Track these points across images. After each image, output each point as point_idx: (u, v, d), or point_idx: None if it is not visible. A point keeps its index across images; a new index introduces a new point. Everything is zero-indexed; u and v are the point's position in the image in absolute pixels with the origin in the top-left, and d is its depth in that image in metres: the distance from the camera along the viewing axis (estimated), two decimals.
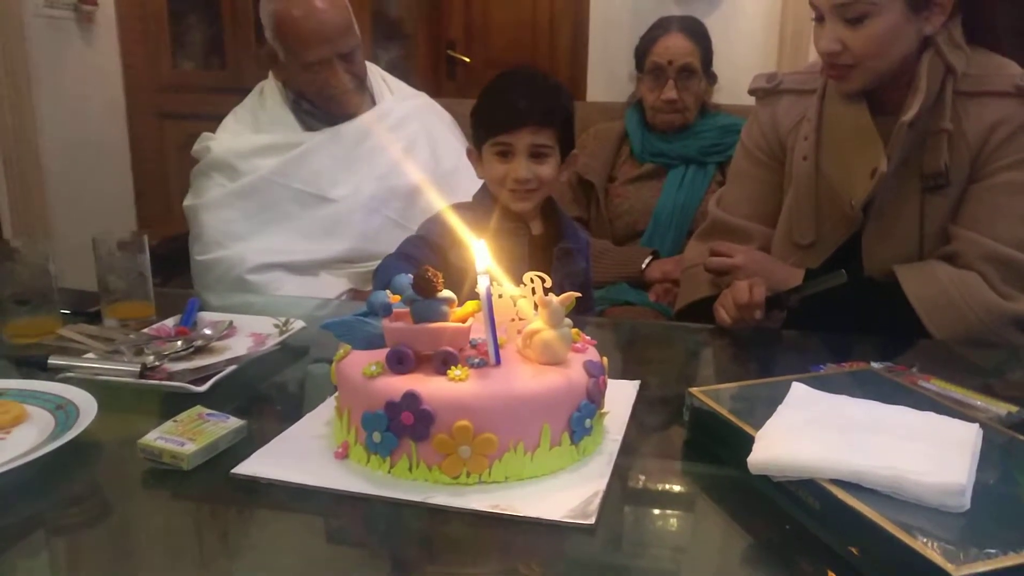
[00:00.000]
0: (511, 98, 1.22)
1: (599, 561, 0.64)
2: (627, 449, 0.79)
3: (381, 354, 0.75)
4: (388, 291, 0.80)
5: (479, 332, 0.76)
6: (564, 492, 0.70)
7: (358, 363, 0.76)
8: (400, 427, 0.71)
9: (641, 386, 0.95)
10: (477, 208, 1.28)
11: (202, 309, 1.17)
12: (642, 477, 0.76)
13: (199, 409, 0.82)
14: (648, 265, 1.62)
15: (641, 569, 0.63)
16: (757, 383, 0.86)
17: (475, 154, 1.28)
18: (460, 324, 0.74)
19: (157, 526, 0.69)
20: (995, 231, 1.15)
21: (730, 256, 1.30)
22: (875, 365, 0.99)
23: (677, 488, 0.75)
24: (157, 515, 0.71)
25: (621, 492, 0.72)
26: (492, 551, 0.66)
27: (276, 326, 1.12)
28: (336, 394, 0.80)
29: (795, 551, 0.64)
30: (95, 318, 1.19)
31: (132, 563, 0.65)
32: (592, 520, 0.66)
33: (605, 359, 0.82)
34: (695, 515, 0.72)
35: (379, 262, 1.58)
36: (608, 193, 1.75)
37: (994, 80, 1.15)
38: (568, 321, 0.77)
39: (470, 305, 0.77)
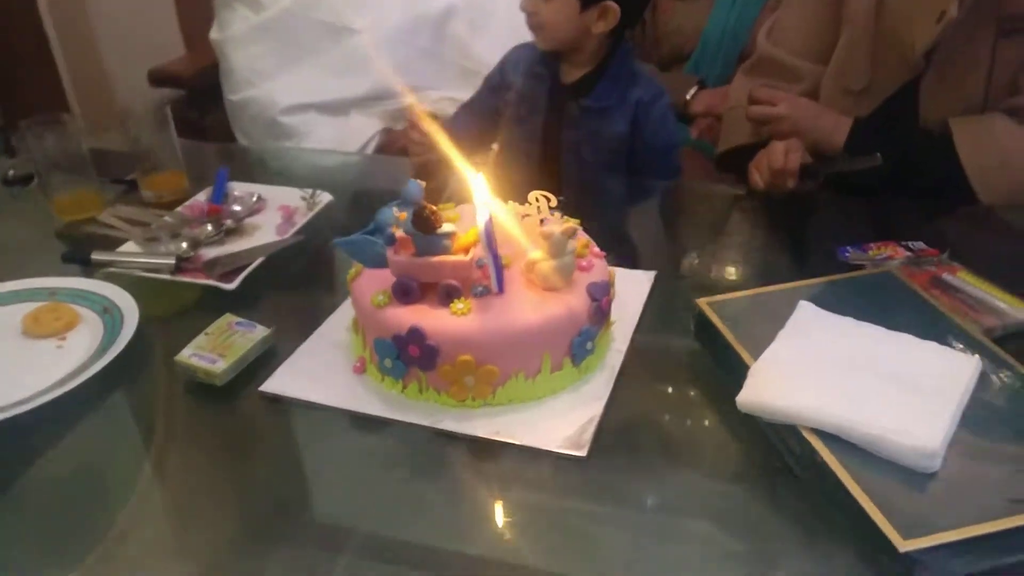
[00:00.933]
0: None
1: (590, 489, 0.69)
2: (630, 363, 0.82)
3: (388, 279, 0.78)
4: (396, 208, 0.81)
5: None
6: (562, 418, 0.75)
7: (368, 287, 0.79)
8: (408, 357, 0.75)
9: (657, 277, 0.95)
10: (532, 45, 1.25)
11: (232, 181, 1.19)
12: (640, 399, 0.79)
13: (228, 318, 0.87)
14: (693, 96, 1.53)
15: (629, 499, 0.68)
16: (770, 291, 0.86)
17: None
18: (462, 258, 0.75)
19: (196, 439, 0.78)
20: None
21: (772, 104, 1.22)
22: (907, 247, 0.97)
23: (674, 413, 0.78)
24: (194, 429, 0.79)
25: (617, 416, 0.76)
26: (492, 475, 0.71)
27: (303, 198, 1.14)
28: (351, 316, 0.84)
29: (780, 488, 0.67)
30: (132, 186, 1.23)
31: (175, 476, 0.74)
32: (584, 452, 0.71)
33: (612, 274, 0.82)
34: (689, 443, 0.74)
35: (410, 100, 1.56)
36: (656, 7, 1.61)
37: None
38: (572, 246, 0.77)
39: (472, 233, 0.77)
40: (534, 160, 1.27)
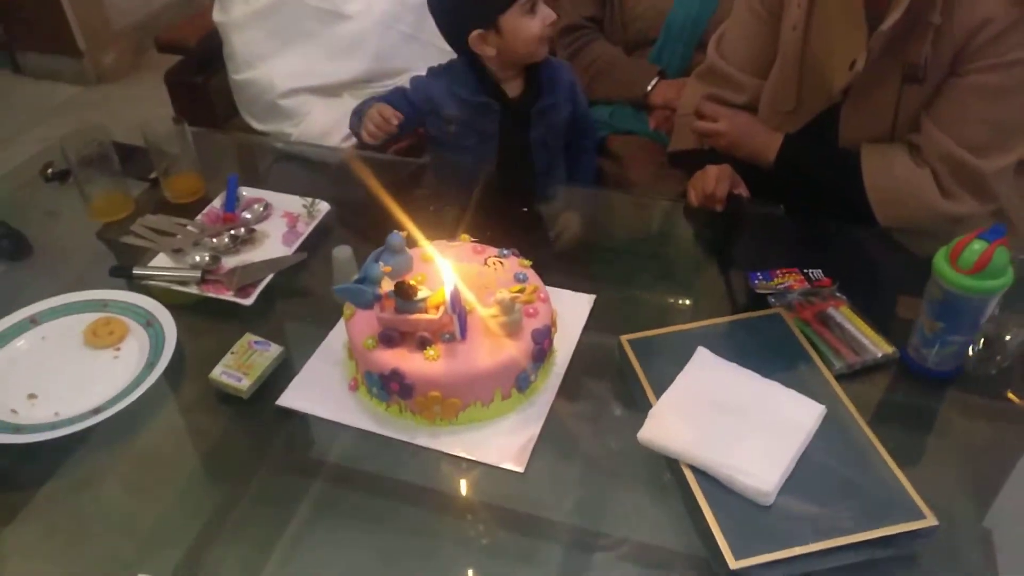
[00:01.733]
0: None
1: (527, 499, 0.93)
2: (567, 387, 1.04)
3: (375, 322, 0.98)
4: (381, 263, 1.01)
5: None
6: (508, 436, 0.98)
7: (361, 329, 1.00)
8: (391, 389, 0.97)
9: (596, 301, 1.16)
10: (455, 73, 1.39)
11: (241, 185, 1.37)
12: (571, 419, 1.01)
13: (249, 338, 1.09)
14: (653, 88, 1.68)
15: (560, 509, 0.92)
16: (679, 330, 1.07)
17: (485, 35, 1.32)
18: (433, 316, 0.96)
19: (222, 441, 1.02)
20: (957, 131, 1.21)
21: (714, 119, 1.38)
22: (807, 276, 1.17)
23: (595, 432, 1.00)
24: (222, 433, 1.03)
25: (551, 434, 0.99)
26: (452, 482, 0.95)
27: (304, 206, 1.33)
28: (346, 338, 1.06)
29: (671, 503, 0.91)
30: (154, 183, 1.41)
31: (208, 472, 0.98)
32: (522, 468, 0.94)
33: (555, 314, 1.03)
34: (605, 459, 0.97)
35: (396, 82, 1.71)
36: None
37: None
38: (519, 306, 0.98)
39: (440, 294, 0.98)
40: (500, 170, 1.43)
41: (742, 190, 1.35)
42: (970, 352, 1.03)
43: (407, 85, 1.45)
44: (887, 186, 1.26)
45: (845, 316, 1.11)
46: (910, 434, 1.00)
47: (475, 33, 1.32)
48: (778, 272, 1.19)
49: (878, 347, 1.06)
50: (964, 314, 0.97)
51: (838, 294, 1.15)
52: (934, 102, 1.23)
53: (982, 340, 1.03)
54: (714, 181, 1.29)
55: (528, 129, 1.40)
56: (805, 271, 1.18)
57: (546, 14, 1.32)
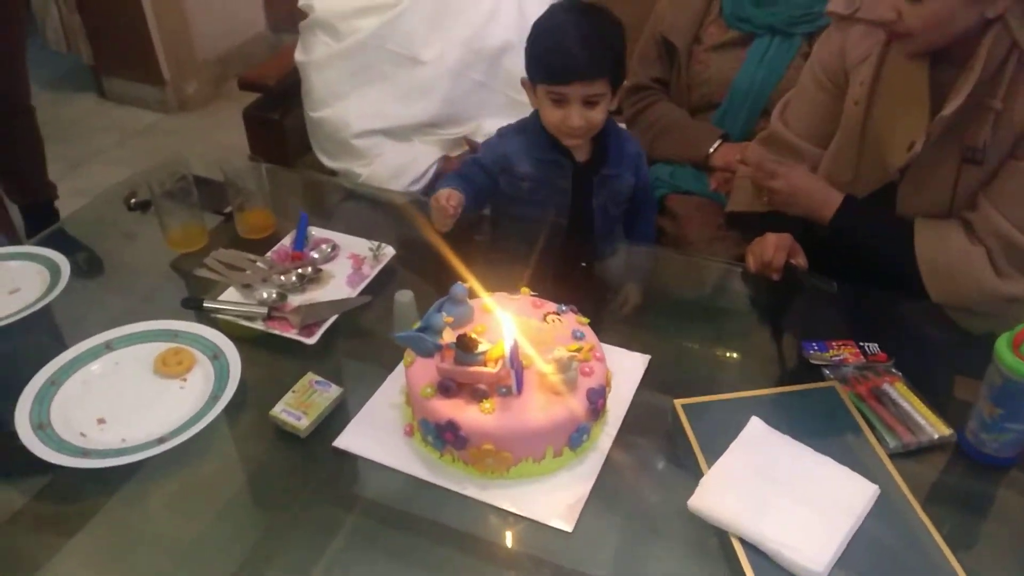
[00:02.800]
0: (565, 48, 1.29)
1: (573, 557, 0.94)
2: (618, 447, 1.05)
3: (435, 370, 1.01)
4: (443, 313, 1.04)
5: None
6: (559, 494, 0.99)
7: (420, 377, 1.02)
8: (445, 438, 1.00)
9: (651, 362, 1.17)
10: (528, 132, 1.41)
11: (310, 224, 1.42)
12: (621, 481, 1.02)
13: (310, 377, 1.12)
14: (716, 150, 1.69)
15: (605, 570, 0.92)
16: (734, 398, 1.08)
17: (529, 85, 1.37)
18: (491, 370, 0.98)
19: (277, 477, 1.05)
20: (1013, 212, 1.20)
21: (773, 176, 1.38)
22: (863, 349, 1.16)
23: (646, 495, 1.01)
24: (278, 469, 1.06)
25: (600, 494, 1.00)
26: (498, 537, 0.97)
27: (371, 249, 1.37)
28: (404, 382, 1.08)
29: (718, 573, 0.90)
30: (228, 217, 1.47)
31: (262, 506, 1.01)
32: (571, 527, 0.95)
33: (609, 375, 1.05)
34: (656, 522, 0.97)
35: (464, 129, 1.76)
36: (691, 57, 1.74)
37: None
38: (575, 364, 0.99)
39: (499, 348, 1.00)
40: (565, 226, 1.46)
41: (800, 259, 1.35)
42: None
43: (477, 140, 1.49)
44: (940, 260, 1.26)
45: (901, 393, 1.10)
46: (964, 519, 0.98)
47: (524, 77, 1.37)
48: (833, 344, 1.19)
49: (935, 428, 1.05)
50: None
51: (894, 370, 1.14)
52: (992, 182, 1.23)
53: None
54: (772, 249, 1.30)
55: (591, 195, 1.43)
56: (861, 344, 1.18)
57: (569, 117, 1.31)
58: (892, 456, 1.01)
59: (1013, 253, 1.21)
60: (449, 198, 1.30)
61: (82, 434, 1.07)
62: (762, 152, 1.46)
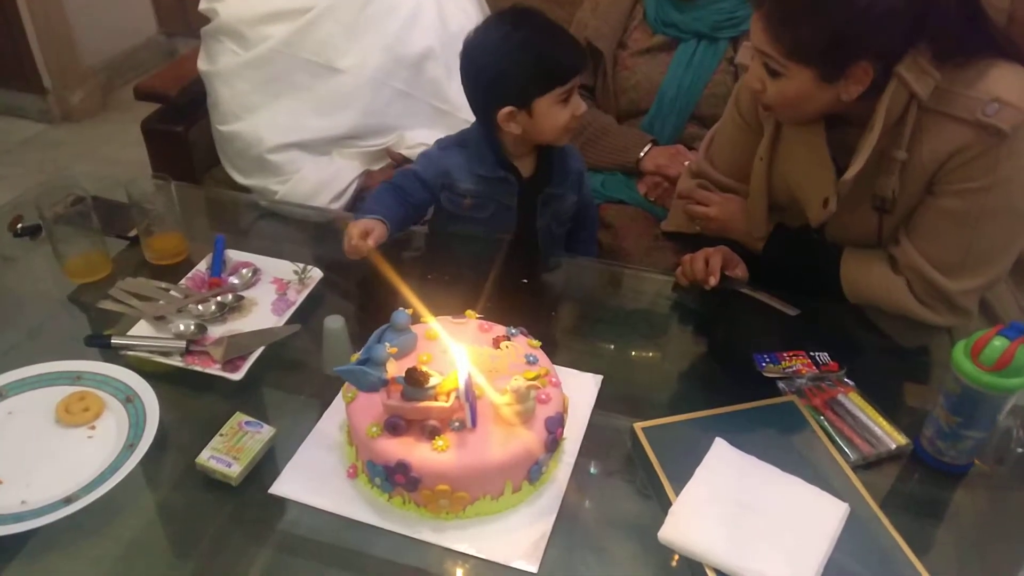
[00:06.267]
0: (564, 49, 1.28)
1: None
2: (578, 475, 0.99)
3: (380, 407, 0.93)
4: (387, 344, 0.96)
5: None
6: (519, 532, 0.92)
7: (363, 415, 0.94)
8: (395, 480, 0.92)
9: (603, 381, 1.12)
10: (471, 147, 1.34)
11: (227, 247, 1.31)
12: (585, 512, 0.96)
13: (239, 417, 1.02)
14: (646, 154, 1.67)
15: None
16: (693, 418, 1.04)
17: (517, 113, 1.28)
18: (444, 404, 0.91)
19: (209, 532, 0.94)
20: (928, 249, 1.19)
21: (706, 205, 1.37)
22: (814, 359, 1.15)
23: (614, 526, 0.95)
24: (209, 524, 0.95)
25: (566, 531, 0.93)
26: None
27: (296, 272, 1.27)
28: (345, 417, 1.00)
29: None
30: (134, 241, 1.34)
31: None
32: (535, 567, 0.89)
33: (566, 400, 0.99)
34: (628, 558, 0.92)
35: (386, 141, 1.67)
36: (616, 63, 1.71)
37: (958, 104, 1.09)
38: (533, 394, 0.93)
39: (452, 379, 0.93)
40: (511, 243, 1.39)
41: (739, 271, 1.33)
42: (985, 446, 1.02)
43: (400, 152, 1.40)
44: (863, 291, 1.25)
45: (855, 404, 1.09)
46: (927, 528, 0.97)
47: (506, 110, 1.27)
48: (784, 355, 1.17)
49: (891, 438, 1.04)
50: (983, 410, 0.96)
51: (847, 380, 1.13)
52: (912, 216, 1.21)
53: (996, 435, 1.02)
54: (703, 264, 1.27)
55: (534, 214, 1.38)
56: (812, 354, 1.17)
57: (577, 105, 1.30)
58: (854, 468, 1.00)
59: (929, 288, 1.20)
60: (365, 235, 1.20)
61: None
62: (691, 184, 1.44)
